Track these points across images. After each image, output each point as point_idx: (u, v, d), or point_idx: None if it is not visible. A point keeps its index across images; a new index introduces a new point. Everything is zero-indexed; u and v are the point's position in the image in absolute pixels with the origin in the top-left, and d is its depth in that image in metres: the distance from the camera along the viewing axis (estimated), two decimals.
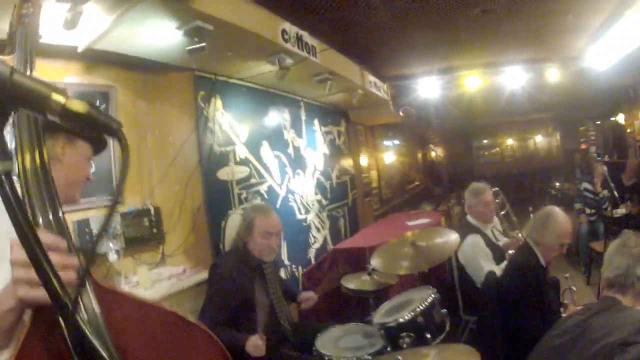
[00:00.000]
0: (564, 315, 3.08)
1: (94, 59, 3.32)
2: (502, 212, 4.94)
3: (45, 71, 2.97)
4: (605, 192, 6.70)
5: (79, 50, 3.02)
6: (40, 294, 0.88)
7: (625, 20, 5.14)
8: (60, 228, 1.01)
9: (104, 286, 1.06)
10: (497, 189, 5.01)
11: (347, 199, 7.54)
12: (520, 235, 4.33)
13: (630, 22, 5.10)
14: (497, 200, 4.81)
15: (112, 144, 3.55)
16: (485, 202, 4.37)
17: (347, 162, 7.81)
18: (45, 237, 0.92)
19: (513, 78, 7.25)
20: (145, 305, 1.11)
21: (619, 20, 5.23)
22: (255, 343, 2.83)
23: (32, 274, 0.85)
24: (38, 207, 1.00)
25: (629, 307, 1.98)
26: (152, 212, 3.73)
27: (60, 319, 0.88)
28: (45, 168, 1.05)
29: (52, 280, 0.83)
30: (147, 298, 1.15)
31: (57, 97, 0.78)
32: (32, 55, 1.21)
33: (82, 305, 0.95)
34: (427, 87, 7.50)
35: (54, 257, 0.89)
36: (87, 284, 0.99)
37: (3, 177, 0.75)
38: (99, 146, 2.07)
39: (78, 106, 0.80)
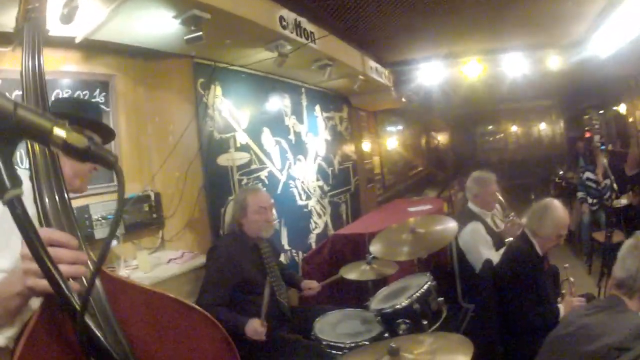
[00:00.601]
0: (560, 305, 3.11)
1: (93, 47, 3.33)
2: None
3: (45, 60, 2.98)
4: (608, 181, 6.66)
5: (77, 41, 3.03)
6: (45, 284, 0.93)
7: (625, 7, 5.10)
8: (66, 211, 1.09)
9: (110, 274, 1.13)
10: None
11: (349, 185, 7.55)
12: (514, 217, 4.37)
13: (630, 9, 5.06)
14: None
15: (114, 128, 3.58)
16: (493, 192, 4.41)
17: (350, 148, 7.80)
18: (57, 234, 1.01)
19: (515, 64, 7.20)
20: (149, 292, 1.18)
21: (618, 7, 5.19)
22: (255, 328, 2.86)
23: (36, 265, 0.92)
24: (46, 189, 1.09)
25: (631, 310, 1.97)
26: (152, 197, 3.77)
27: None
28: (52, 152, 1.12)
29: (62, 289, 0.89)
30: (149, 286, 1.22)
31: (59, 132, 0.82)
32: (40, 50, 1.30)
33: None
34: (430, 73, 7.46)
35: (65, 253, 0.98)
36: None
37: (15, 201, 0.80)
38: (107, 137, 2.13)
39: (77, 142, 0.84)
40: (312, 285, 3.73)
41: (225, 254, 3.26)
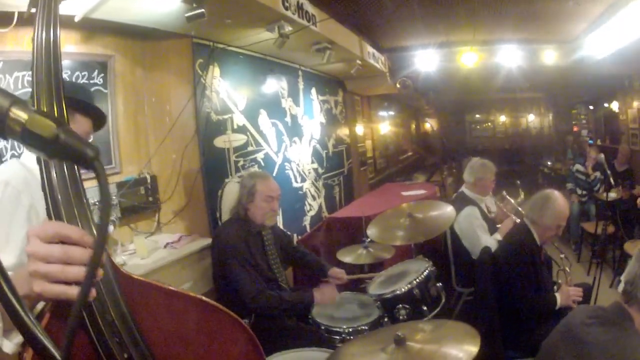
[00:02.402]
0: (557, 294, 3.13)
1: (93, 27, 3.26)
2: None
3: None
4: (598, 174, 6.84)
5: (76, 19, 2.96)
6: (56, 289, 0.83)
7: (627, 11, 5.13)
8: (79, 202, 0.95)
9: (133, 277, 1.03)
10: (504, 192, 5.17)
11: (343, 168, 7.58)
12: (505, 195, 4.43)
13: (631, 14, 5.09)
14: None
15: (110, 114, 3.52)
16: (492, 180, 4.46)
17: (343, 132, 7.81)
18: (68, 229, 0.86)
19: (509, 56, 7.29)
20: (171, 293, 1.09)
21: (620, 10, 5.22)
22: (329, 292, 3.12)
23: (48, 268, 0.81)
24: (57, 175, 0.93)
25: (636, 331, 1.82)
26: (149, 180, 3.73)
27: None
28: (62, 119, 0.95)
29: (38, 338, 0.73)
30: (175, 288, 1.12)
31: (18, 114, 0.64)
32: (56, 17, 1.06)
33: (108, 306, 0.93)
34: (425, 61, 7.50)
35: (77, 252, 0.83)
36: (113, 283, 0.96)
37: None
38: (99, 122, 2.05)
39: (43, 128, 0.65)
40: (339, 276, 3.64)
41: (231, 240, 3.24)
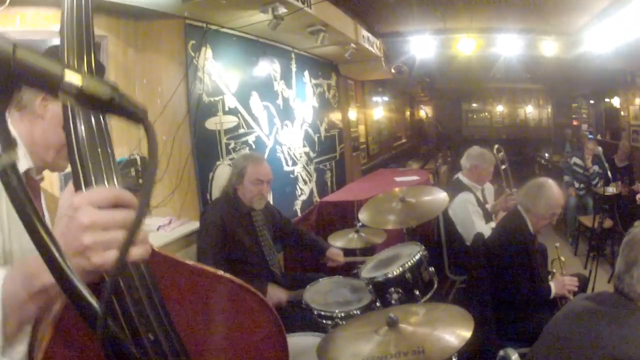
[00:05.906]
0: (551, 283, 3.12)
1: None
2: (503, 167, 5.07)
3: (34, 19, 2.85)
4: (596, 167, 6.85)
5: None
6: (113, 256, 0.75)
7: (631, 7, 5.11)
8: (114, 166, 0.87)
9: (159, 253, 0.98)
10: (498, 146, 5.31)
11: (335, 153, 7.55)
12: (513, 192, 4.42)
13: (635, 10, 5.07)
14: (499, 155, 4.96)
15: None
16: (489, 171, 4.45)
17: (336, 116, 7.76)
18: (125, 194, 0.81)
19: (508, 45, 7.24)
20: (200, 272, 1.05)
21: (624, 6, 5.19)
22: (280, 297, 3.08)
23: (111, 235, 0.76)
24: (81, 114, 0.85)
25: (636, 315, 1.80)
26: (139, 162, 3.67)
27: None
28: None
29: (77, 288, 0.70)
30: (201, 265, 1.07)
31: (72, 78, 0.64)
32: None
33: (135, 283, 0.85)
34: (421, 47, 7.45)
35: (120, 215, 0.78)
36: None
37: (9, 169, 0.63)
38: None
39: (100, 91, 0.67)
40: (337, 258, 3.67)
41: (215, 219, 3.23)
